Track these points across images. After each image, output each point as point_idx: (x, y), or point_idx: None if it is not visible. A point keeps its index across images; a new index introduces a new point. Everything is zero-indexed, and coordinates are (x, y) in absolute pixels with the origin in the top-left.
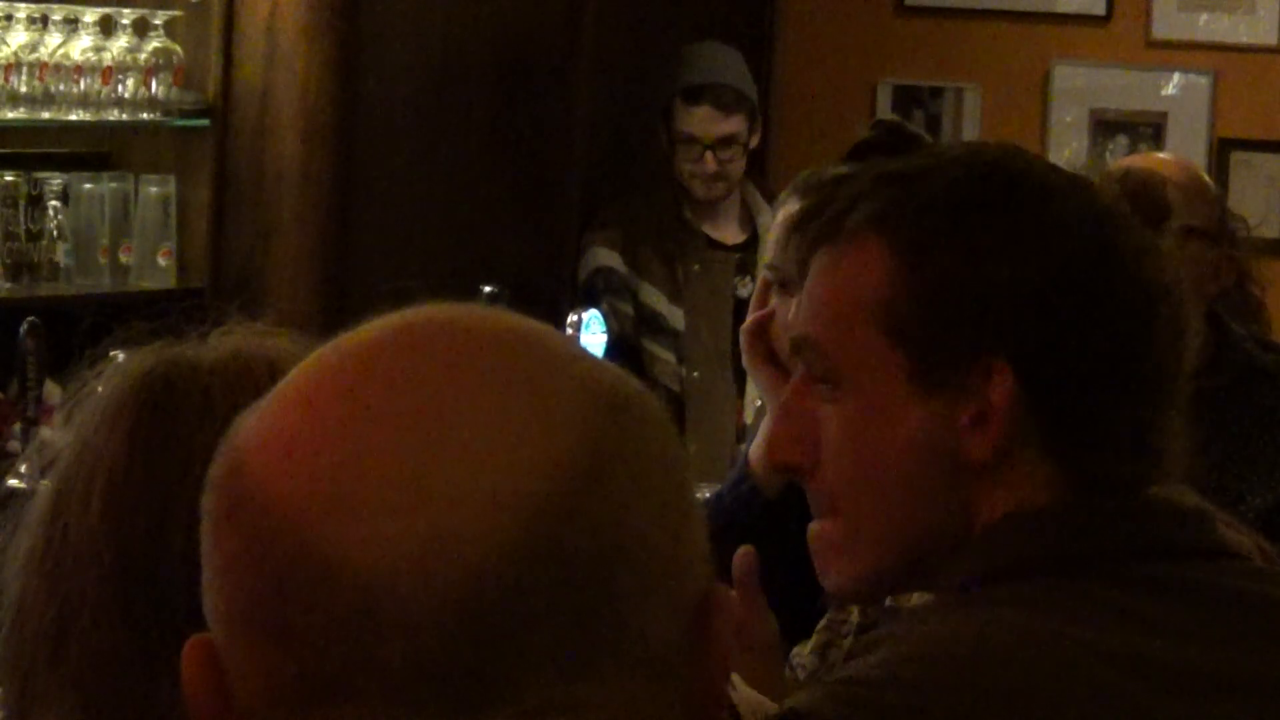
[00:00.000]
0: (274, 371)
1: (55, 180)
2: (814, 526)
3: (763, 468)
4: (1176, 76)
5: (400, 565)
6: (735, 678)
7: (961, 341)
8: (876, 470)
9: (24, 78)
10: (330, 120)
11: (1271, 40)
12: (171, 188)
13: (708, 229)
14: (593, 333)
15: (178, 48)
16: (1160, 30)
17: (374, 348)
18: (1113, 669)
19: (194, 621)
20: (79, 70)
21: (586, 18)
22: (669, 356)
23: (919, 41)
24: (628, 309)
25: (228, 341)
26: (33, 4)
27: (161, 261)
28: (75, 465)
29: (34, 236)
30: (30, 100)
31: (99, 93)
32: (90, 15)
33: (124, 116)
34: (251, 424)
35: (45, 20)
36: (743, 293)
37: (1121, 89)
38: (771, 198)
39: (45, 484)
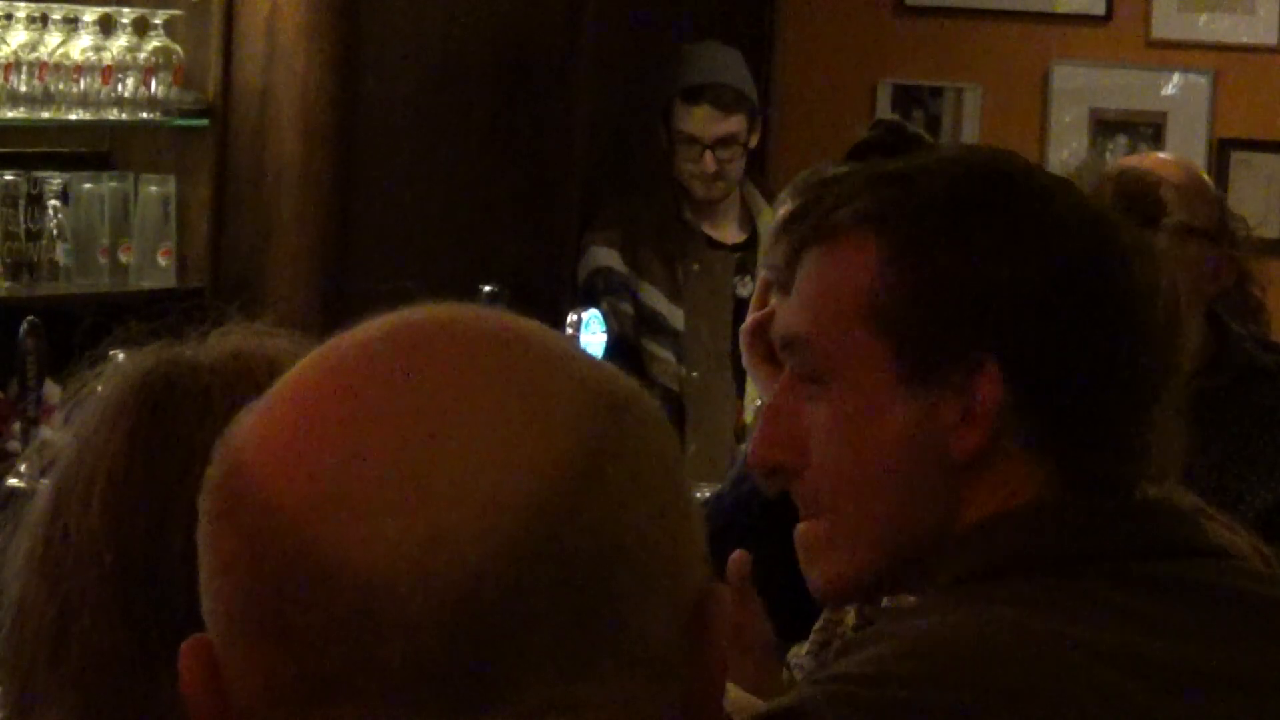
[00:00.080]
0: (274, 371)
1: (55, 180)
2: (800, 527)
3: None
4: (1176, 76)
5: (399, 565)
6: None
7: (950, 338)
8: (863, 467)
9: (24, 77)
10: (330, 120)
11: (1271, 40)
12: (171, 187)
13: (708, 229)
14: (593, 333)
15: (177, 47)
16: (1160, 30)
17: (372, 347)
18: (1113, 669)
19: (194, 621)
20: (79, 70)
21: (586, 18)
22: (669, 356)
23: (919, 41)
24: (627, 309)
25: (227, 341)
26: (32, 3)
27: (161, 261)
28: (75, 465)
29: (34, 236)
30: (30, 100)
31: (99, 92)
32: (90, 14)
33: (124, 116)
34: (249, 424)
35: (45, 20)
36: (743, 293)
37: (1121, 89)
38: (771, 198)
39: (45, 484)
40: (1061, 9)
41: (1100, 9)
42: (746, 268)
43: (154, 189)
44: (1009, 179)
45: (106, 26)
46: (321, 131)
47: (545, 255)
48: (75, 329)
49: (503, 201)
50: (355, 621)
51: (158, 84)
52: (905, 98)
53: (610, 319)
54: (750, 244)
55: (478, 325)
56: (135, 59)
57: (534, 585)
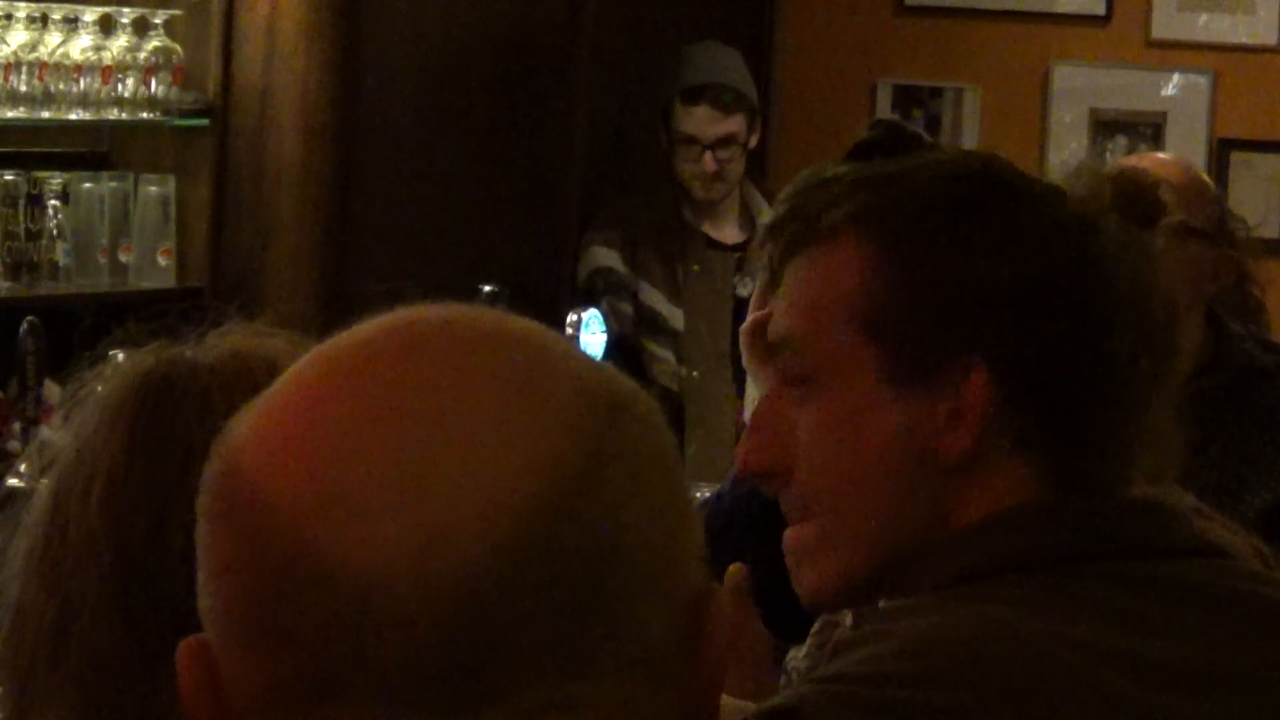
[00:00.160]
0: (273, 371)
1: (55, 180)
2: (788, 533)
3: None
4: (1176, 76)
5: (397, 564)
6: None
7: (938, 340)
8: (852, 470)
9: (23, 77)
10: (330, 120)
11: (1271, 40)
12: (171, 187)
13: (707, 229)
14: (592, 333)
15: (177, 47)
16: (1160, 30)
17: (369, 347)
18: (1111, 669)
19: (193, 621)
20: (78, 69)
21: (586, 18)
22: (668, 356)
23: (919, 41)
24: (627, 309)
25: (227, 342)
26: (32, 3)
27: (161, 261)
28: (74, 465)
29: (33, 236)
30: (30, 99)
31: (98, 92)
32: (90, 14)
33: (123, 116)
34: (246, 424)
35: (45, 19)
36: (742, 293)
37: (1121, 89)
38: (771, 198)
39: (44, 484)
40: (1061, 9)
41: (1100, 9)
42: (746, 268)
43: (154, 189)
44: (994, 181)
45: (106, 26)
46: (321, 131)
47: (545, 255)
48: (75, 329)
49: (503, 201)
50: (353, 621)
51: (157, 84)
52: (905, 98)
53: (610, 319)
54: (750, 244)
55: (475, 325)
56: (135, 59)
57: (532, 585)
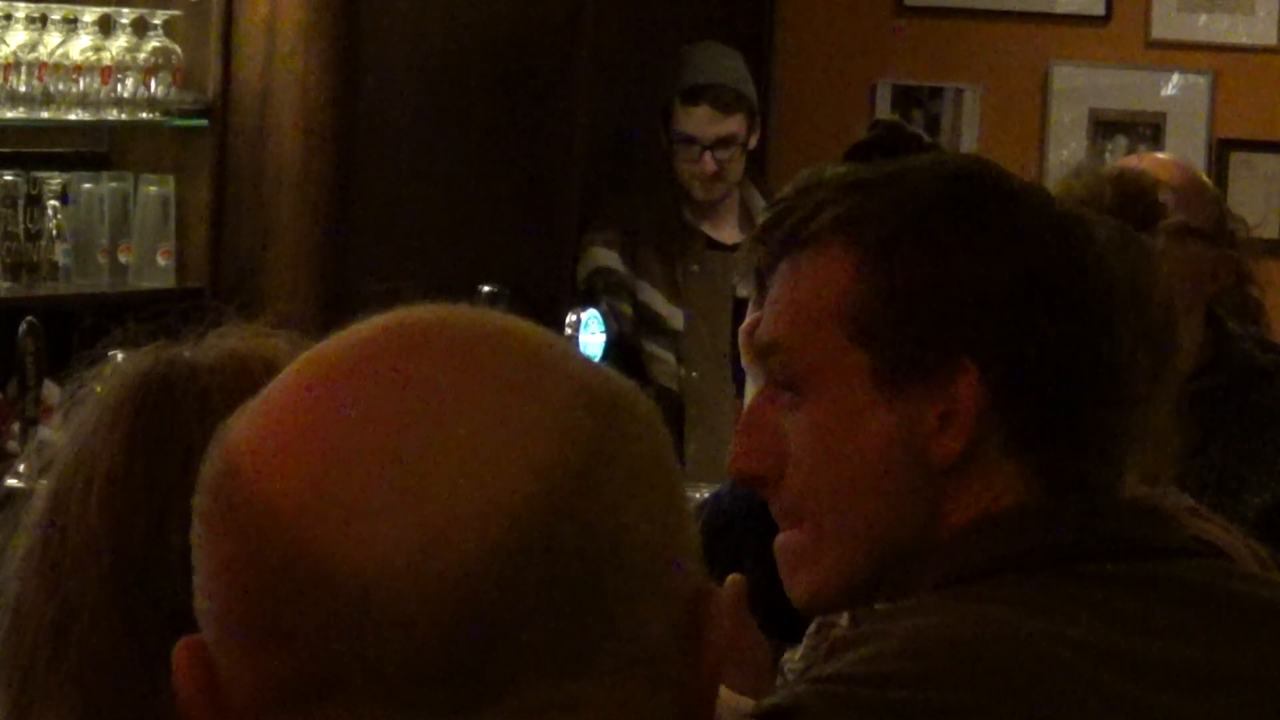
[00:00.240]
0: (272, 372)
1: (55, 180)
2: (779, 538)
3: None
4: (1176, 77)
5: (396, 565)
6: None
7: (928, 343)
8: (842, 474)
9: (23, 77)
10: (330, 120)
11: (1271, 40)
12: (171, 187)
13: (707, 229)
14: (592, 333)
15: (177, 47)
16: (1160, 30)
17: (367, 347)
18: (1109, 669)
19: (194, 621)
20: (78, 70)
21: (586, 18)
22: (668, 357)
23: (918, 41)
24: (627, 309)
25: (226, 342)
26: (32, 3)
27: (161, 261)
28: (73, 466)
29: (33, 236)
30: (29, 100)
31: (98, 92)
32: (89, 15)
33: (123, 116)
34: (243, 424)
35: (44, 20)
36: (742, 293)
37: (1121, 89)
38: (771, 198)
39: (44, 484)
40: (1061, 9)
41: (1100, 9)
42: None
43: (153, 189)
44: (981, 184)
45: (106, 27)
46: (321, 131)
47: (545, 255)
48: (74, 329)
49: (503, 201)
50: (352, 621)
51: (157, 84)
52: (905, 98)
53: (609, 319)
54: None
55: (472, 325)
56: (135, 59)
57: (530, 585)
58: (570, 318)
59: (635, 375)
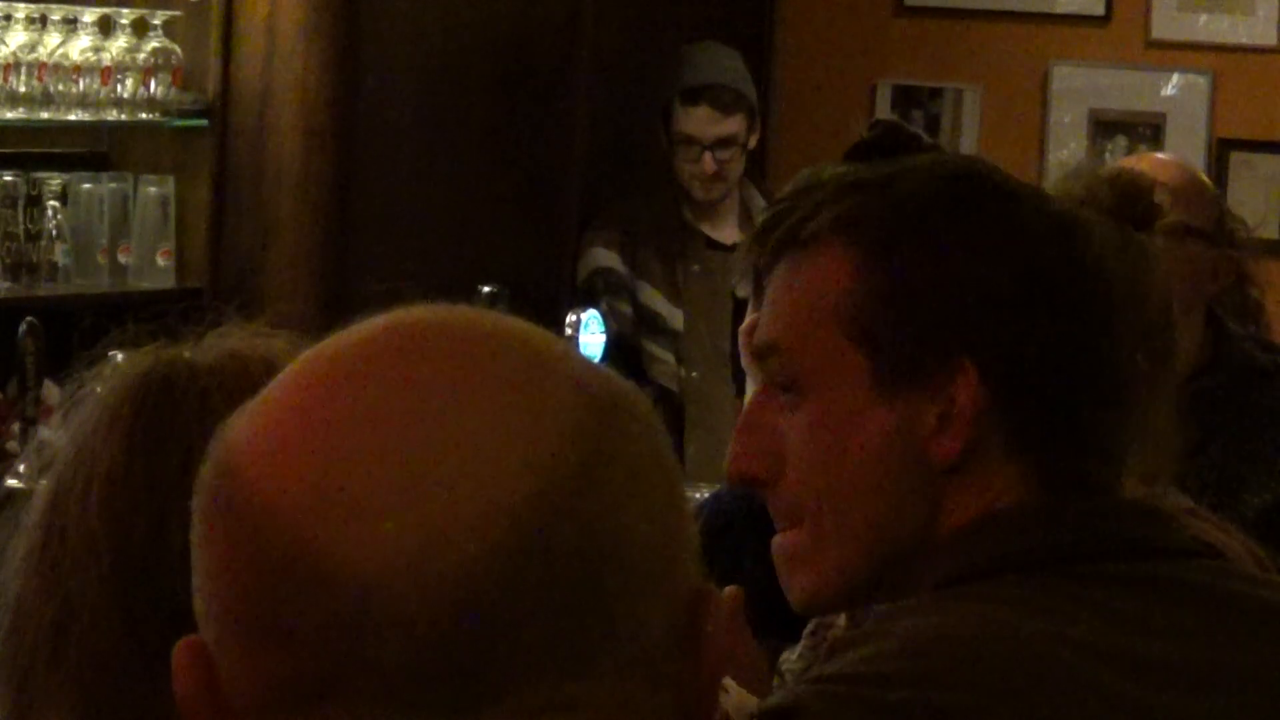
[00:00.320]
0: (272, 372)
1: (54, 180)
2: (778, 539)
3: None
4: (1176, 77)
5: (396, 565)
6: (727, 680)
7: (927, 343)
8: (841, 475)
9: (23, 77)
10: (330, 120)
11: (1271, 40)
12: (170, 188)
13: (707, 229)
14: (592, 333)
15: (177, 48)
16: (1159, 30)
17: (366, 348)
18: (1110, 669)
19: (193, 621)
20: (78, 70)
21: (586, 18)
22: (668, 357)
23: (918, 41)
24: (627, 309)
25: (226, 342)
26: (32, 4)
27: (161, 261)
28: (73, 466)
29: (33, 236)
30: (29, 100)
31: (98, 93)
32: (89, 15)
33: (123, 116)
34: (242, 425)
35: (44, 20)
36: (742, 293)
37: (1121, 89)
38: (771, 198)
39: (43, 484)
40: (1061, 9)
41: (1100, 9)
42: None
43: (153, 189)
44: (981, 184)
45: (105, 27)
46: (321, 131)
47: (545, 255)
48: (74, 329)
49: (503, 201)
50: (352, 621)
51: (157, 84)
52: (905, 98)
53: (609, 319)
54: None
55: (472, 326)
56: (134, 59)
57: (530, 585)
58: (570, 318)
59: (635, 375)
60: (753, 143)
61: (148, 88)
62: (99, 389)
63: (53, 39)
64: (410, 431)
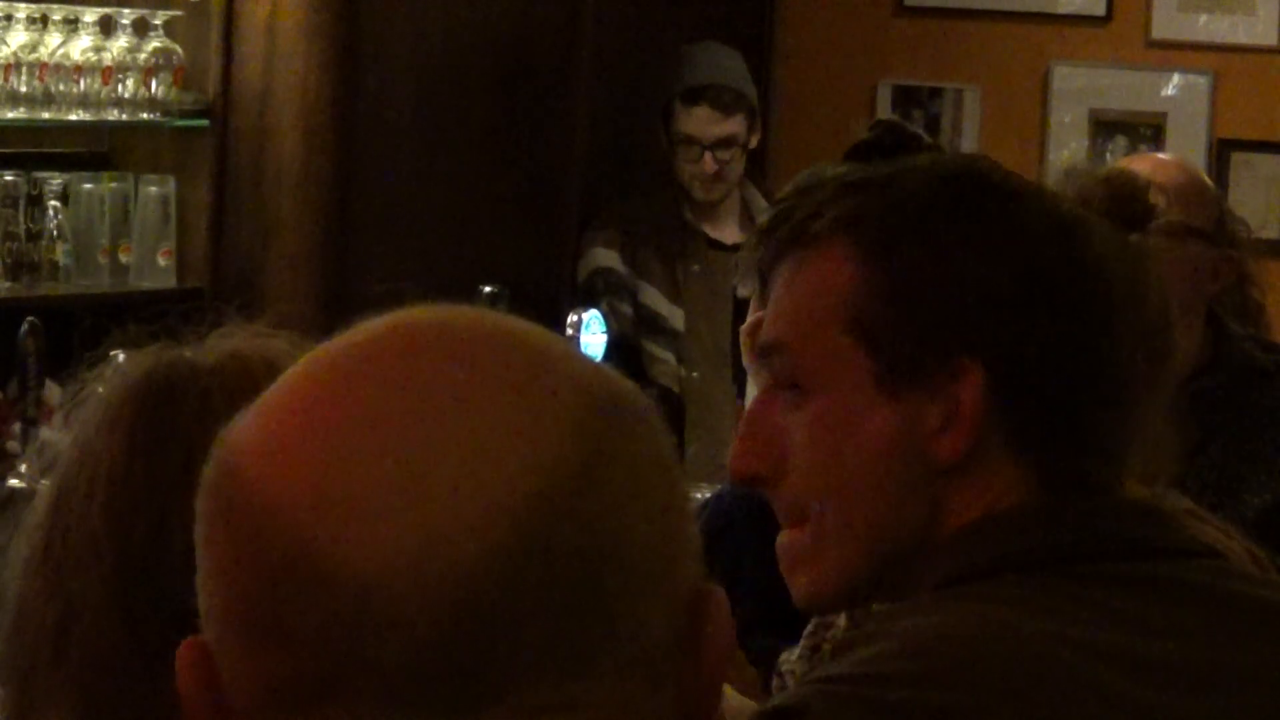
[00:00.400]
0: (273, 373)
1: (55, 180)
2: (781, 537)
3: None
4: (1176, 77)
5: (396, 565)
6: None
7: (930, 342)
8: (844, 474)
9: (24, 78)
10: (330, 120)
11: (1271, 40)
12: (171, 188)
13: (707, 229)
14: (592, 333)
15: (177, 48)
16: (1160, 31)
17: (367, 348)
18: (1110, 669)
19: (195, 622)
20: (79, 70)
21: (586, 18)
22: (669, 357)
23: (918, 42)
24: (627, 309)
25: (227, 343)
26: (32, 4)
27: (161, 261)
28: (75, 467)
29: (34, 236)
30: (30, 100)
31: (99, 93)
32: (90, 15)
33: (124, 116)
34: (244, 426)
35: (45, 20)
36: (742, 293)
37: (1121, 89)
38: (771, 198)
39: (45, 485)
40: (1061, 9)
41: (1100, 9)
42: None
43: (154, 189)
44: (982, 183)
45: (106, 27)
46: (321, 131)
47: (545, 255)
48: (75, 329)
49: (503, 201)
50: (352, 622)
51: (157, 84)
52: (905, 98)
53: (610, 319)
54: None
55: (473, 326)
56: (135, 59)
57: (530, 585)
58: (571, 318)
59: (635, 375)
60: (753, 143)
61: (148, 88)
62: (100, 389)
63: (54, 39)
64: (411, 432)
